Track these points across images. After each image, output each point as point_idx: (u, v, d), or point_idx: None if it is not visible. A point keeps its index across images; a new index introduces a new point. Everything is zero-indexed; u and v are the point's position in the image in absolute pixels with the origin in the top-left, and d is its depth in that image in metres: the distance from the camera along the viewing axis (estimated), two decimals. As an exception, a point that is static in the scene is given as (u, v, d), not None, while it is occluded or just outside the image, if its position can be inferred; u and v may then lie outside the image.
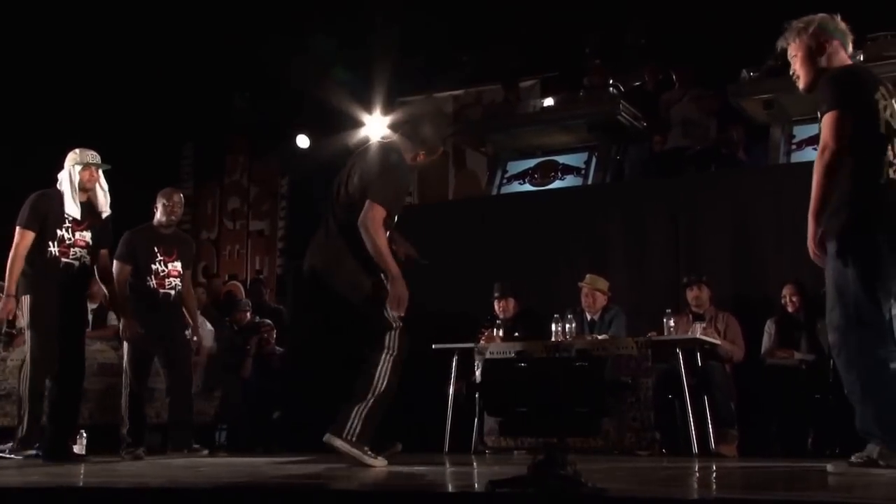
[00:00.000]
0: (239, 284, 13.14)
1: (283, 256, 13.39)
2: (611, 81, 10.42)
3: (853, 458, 4.20)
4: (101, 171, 6.69)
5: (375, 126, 12.82)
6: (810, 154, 9.44)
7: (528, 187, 10.37)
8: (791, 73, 4.62)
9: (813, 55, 4.51)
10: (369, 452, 5.19)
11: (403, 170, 5.61)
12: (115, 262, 7.22)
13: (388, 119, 12.77)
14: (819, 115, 4.35)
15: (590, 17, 11.81)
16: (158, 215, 7.55)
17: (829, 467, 4.25)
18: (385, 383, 5.30)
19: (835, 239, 4.26)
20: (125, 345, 7.28)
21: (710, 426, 7.19)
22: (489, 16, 11.60)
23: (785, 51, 4.69)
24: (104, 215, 6.75)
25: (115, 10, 11.34)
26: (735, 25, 10.33)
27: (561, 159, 10.40)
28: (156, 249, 7.43)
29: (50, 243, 6.49)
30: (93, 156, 6.65)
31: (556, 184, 10.23)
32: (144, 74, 12.20)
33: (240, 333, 9.80)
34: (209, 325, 9.32)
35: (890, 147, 4.30)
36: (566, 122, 10.19)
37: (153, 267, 7.40)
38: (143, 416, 7.43)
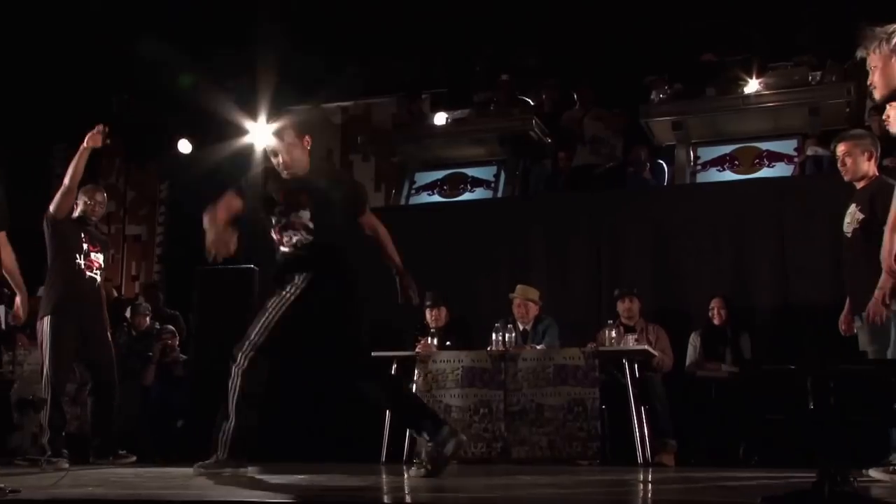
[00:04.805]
0: (112, 289, 12.62)
1: (160, 262, 12.95)
2: (518, 96, 10.56)
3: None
4: None
5: (260, 133, 12.56)
6: (714, 175, 9.83)
7: (437, 198, 10.38)
8: (868, 83, 4.36)
9: (893, 67, 4.17)
10: None
11: None
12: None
13: (272, 126, 12.52)
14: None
15: (482, 35, 11.92)
16: (78, 212, 7.26)
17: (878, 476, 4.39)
18: None
19: None
20: (46, 343, 6.86)
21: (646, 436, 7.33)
22: (379, 30, 11.55)
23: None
24: None
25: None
26: (634, 46, 10.62)
27: (470, 172, 10.48)
28: (82, 235, 7.15)
29: None
30: None
31: (466, 196, 10.31)
32: (13, 71, 11.67)
33: (139, 339, 9.42)
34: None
35: None
36: (478, 136, 10.27)
37: (83, 246, 7.10)
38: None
